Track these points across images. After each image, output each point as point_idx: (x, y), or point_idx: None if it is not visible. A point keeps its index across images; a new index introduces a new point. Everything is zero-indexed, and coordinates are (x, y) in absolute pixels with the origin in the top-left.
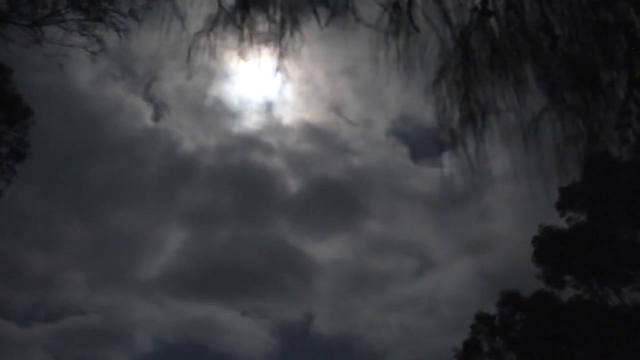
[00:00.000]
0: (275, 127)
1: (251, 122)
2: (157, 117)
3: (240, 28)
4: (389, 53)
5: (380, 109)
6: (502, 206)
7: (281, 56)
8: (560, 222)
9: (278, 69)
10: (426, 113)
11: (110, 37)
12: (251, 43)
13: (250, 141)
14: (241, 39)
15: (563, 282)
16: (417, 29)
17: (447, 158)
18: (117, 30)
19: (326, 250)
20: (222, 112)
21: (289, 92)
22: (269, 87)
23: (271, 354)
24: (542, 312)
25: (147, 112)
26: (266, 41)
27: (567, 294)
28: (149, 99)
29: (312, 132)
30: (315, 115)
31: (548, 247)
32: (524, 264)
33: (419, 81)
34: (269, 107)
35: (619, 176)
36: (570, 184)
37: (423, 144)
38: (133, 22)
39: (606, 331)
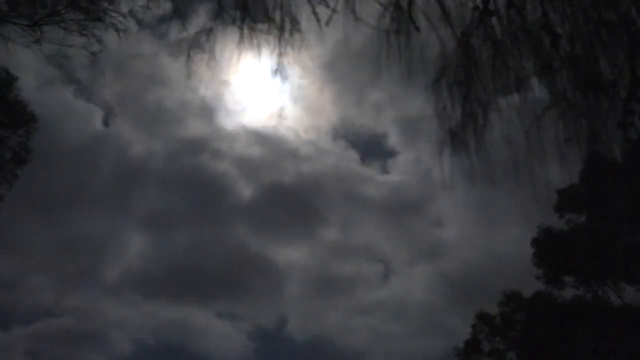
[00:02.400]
0: (222, 132)
1: (198, 126)
2: (107, 122)
3: (240, 28)
4: (390, 52)
5: (320, 113)
6: (455, 211)
7: (280, 56)
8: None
9: (277, 69)
10: (364, 117)
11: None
12: (251, 43)
13: (198, 146)
14: (241, 38)
15: (563, 283)
16: (418, 29)
17: (394, 164)
18: (117, 30)
19: (287, 255)
20: (169, 116)
21: (233, 97)
22: (213, 92)
23: (249, 356)
24: (543, 312)
25: (98, 117)
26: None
27: (567, 294)
28: (99, 103)
29: (258, 137)
30: (258, 120)
31: (547, 248)
32: (481, 267)
33: (353, 88)
34: (212, 111)
35: (619, 176)
36: (569, 185)
37: (372, 149)
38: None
39: (606, 331)
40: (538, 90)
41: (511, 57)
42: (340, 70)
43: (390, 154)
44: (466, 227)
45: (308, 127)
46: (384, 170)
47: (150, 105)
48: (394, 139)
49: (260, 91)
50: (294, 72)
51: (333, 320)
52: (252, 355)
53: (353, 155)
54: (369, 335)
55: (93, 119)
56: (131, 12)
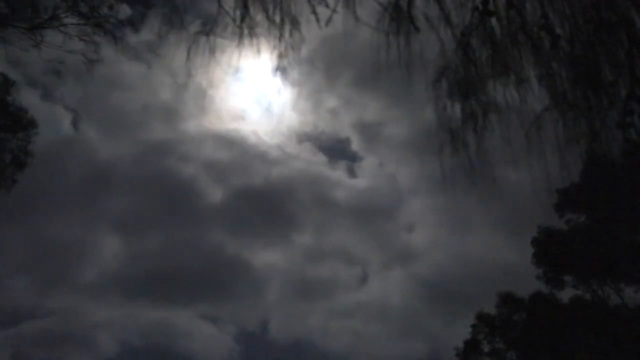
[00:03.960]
0: (186, 136)
1: (162, 130)
2: (75, 125)
3: (240, 28)
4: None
5: (281, 117)
6: (424, 216)
7: (281, 56)
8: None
9: (277, 68)
10: (321, 122)
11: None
12: (250, 43)
13: (164, 149)
14: (240, 38)
15: (563, 283)
16: (417, 29)
17: (359, 168)
18: (115, 36)
19: (265, 258)
20: (133, 120)
21: (195, 100)
22: (175, 95)
23: (235, 358)
24: (542, 312)
25: (66, 120)
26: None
27: (567, 294)
28: (67, 107)
29: (224, 140)
30: (221, 123)
31: (547, 247)
32: (453, 271)
33: (310, 93)
34: (175, 115)
35: (619, 176)
36: (569, 185)
37: (338, 153)
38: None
39: (606, 331)
40: (538, 91)
41: (511, 57)
42: (298, 75)
43: (355, 158)
44: (435, 231)
45: (271, 131)
46: (352, 175)
47: (114, 109)
48: (356, 144)
49: (223, 94)
50: (254, 75)
51: (314, 322)
52: (238, 357)
53: (321, 158)
54: (351, 338)
55: (62, 123)
56: (129, 19)
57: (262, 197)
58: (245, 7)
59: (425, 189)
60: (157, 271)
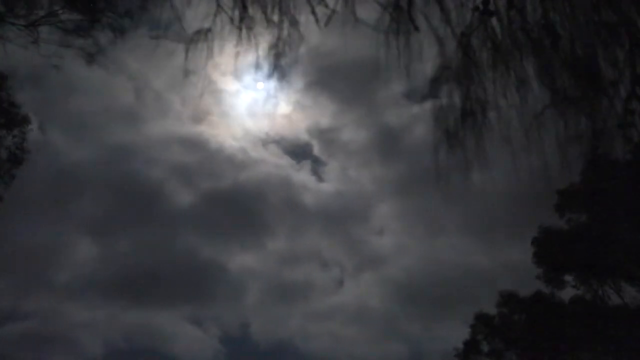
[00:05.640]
0: (150, 139)
1: (125, 133)
2: (42, 130)
3: (239, 28)
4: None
5: (240, 120)
6: (393, 220)
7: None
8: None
9: (275, 68)
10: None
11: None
12: (249, 43)
13: (128, 152)
14: (239, 38)
15: (563, 282)
16: (417, 29)
17: (324, 173)
18: (114, 31)
19: (240, 261)
20: (94, 124)
21: (156, 102)
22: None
23: None
24: (542, 312)
25: (33, 123)
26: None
27: (567, 293)
28: (34, 110)
29: (188, 144)
30: (184, 126)
31: (547, 247)
32: (425, 274)
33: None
34: (136, 118)
35: (619, 176)
36: (569, 185)
37: (303, 157)
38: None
39: (606, 331)
40: (538, 90)
41: (512, 56)
42: (253, 79)
43: (319, 162)
44: (405, 235)
45: (234, 134)
46: (320, 179)
47: (73, 113)
48: (317, 149)
49: (184, 97)
50: (214, 76)
51: (294, 325)
52: (223, 359)
53: (287, 161)
54: (331, 340)
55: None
56: (128, 13)
57: (232, 200)
58: (244, 7)
59: (390, 193)
60: (133, 273)
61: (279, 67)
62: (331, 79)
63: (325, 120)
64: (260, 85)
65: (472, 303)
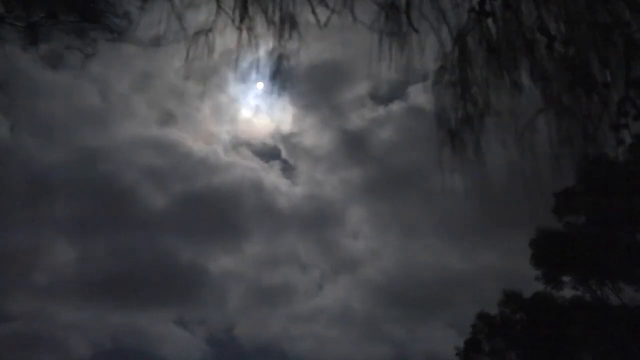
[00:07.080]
0: (120, 141)
1: (94, 136)
2: (13, 131)
3: (239, 28)
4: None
5: (204, 123)
6: (367, 224)
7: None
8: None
9: (277, 69)
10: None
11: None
12: (249, 43)
13: (100, 155)
14: (239, 39)
15: (562, 283)
16: (416, 30)
17: (293, 177)
18: (112, 32)
19: (220, 264)
20: (63, 127)
21: (123, 105)
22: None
23: None
24: (543, 312)
25: (4, 126)
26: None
27: (567, 294)
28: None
29: (158, 146)
30: (152, 129)
31: (546, 248)
32: (402, 276)
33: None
34: (104, 120)
35: (617, 177)
36: (566, 188)
37: (272, 160)
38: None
39: (606, 331)
40: (532, 93)
41: (506, 58)
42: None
43: (288, 166)
44: (379, 238)
45: (204, 137)
46: (293, 183)
47: (44, 116)
48: (285, 153)
49: (150, 99)
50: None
51: (278, 328)
52: None
53: (258, 164)
54: (315, 342)
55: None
56: (126, 14)
57: (207, 203)
58: (244, 8)
59: (360, 196)
60: (113, 275)
61: (281, 70)
62: (291, 83)
63: (286, 125)
64: (260, 85)
65: (451, 304)
